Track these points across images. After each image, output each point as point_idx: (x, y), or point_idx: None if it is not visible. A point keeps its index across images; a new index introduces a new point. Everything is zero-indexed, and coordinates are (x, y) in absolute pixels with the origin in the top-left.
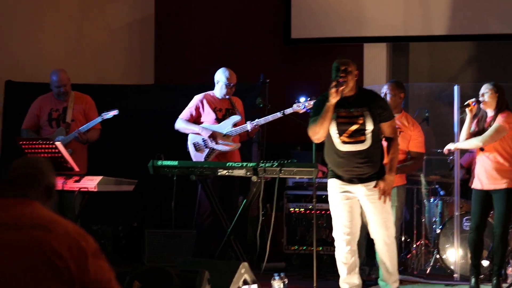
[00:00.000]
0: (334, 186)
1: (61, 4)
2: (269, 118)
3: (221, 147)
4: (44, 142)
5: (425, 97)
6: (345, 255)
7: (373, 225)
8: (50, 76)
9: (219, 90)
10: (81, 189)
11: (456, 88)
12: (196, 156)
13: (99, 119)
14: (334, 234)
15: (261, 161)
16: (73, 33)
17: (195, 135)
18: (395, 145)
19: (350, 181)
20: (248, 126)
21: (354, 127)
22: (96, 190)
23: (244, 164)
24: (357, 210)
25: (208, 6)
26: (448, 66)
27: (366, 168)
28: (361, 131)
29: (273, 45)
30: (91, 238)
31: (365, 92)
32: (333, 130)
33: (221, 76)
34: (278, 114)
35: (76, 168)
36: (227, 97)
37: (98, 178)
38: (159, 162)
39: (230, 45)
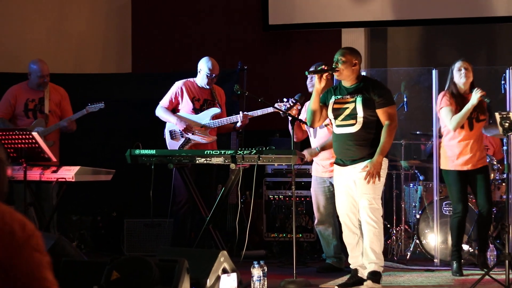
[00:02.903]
0: (335, 171)
1: None
2: (259, 112)
3: (196, 138)
4: (21, 133)
5: (403, 81)
6: (346, 235)
7: (359, 205)
8: (30, 65)
9: (200, 79)
10: (59, 180)
11: (434, 72)
12: (171, 144)
13: (83, 112)
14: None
15: (239, 149)
16: (51, 23)
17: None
18: (387, 130)
19: (344, 163)
20: (239, 116)
21: (347, 112)
22: (73, 180)
23: (222, 151)
24: (352, 193)
25: None
26: (426, 51)
27: (355, 151)
28: (352, 116)
29: (251, 31)
30: (30, 225)
31: (366, 81)
32: (330, 115)
33: (203, 66)
34: (270, 110)
35: (54, 159)
36: (207, 87)
37: (76, 168)
38: (137, 151)
39: (208, 33)
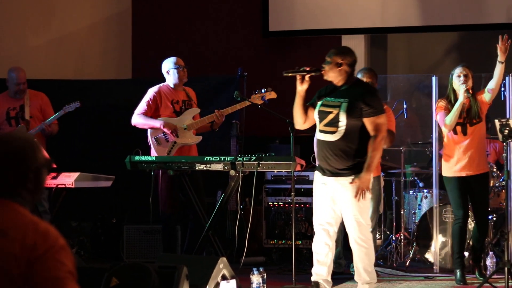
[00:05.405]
0: (315, 177)
1: (41, 1)
2: (229, 110)
3: (183, 140)
4: None
5: (403, 88)
6: (316, 245)
7: (345, 223)
8: (8, 73)
9: (172, 78)
10: (59, 186)
11: (434, 79)
12: (159, 151)
13: (61, 112)
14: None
15: (239, 155)
16: (51, 29)
17: (155, 129)
18: (375, 143)
19: (324, 172)
20: (214, 115)
21: (330, 117)
22: (73, 186)
23: (222, 158)
24: (333, 207)
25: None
26: (426, 57)
27: (333, 161)
28: (335, 123)
29: (251, 38)
30: (53, 236)
31: (359, 85)
32: (316, 117)
33: (168, 64)
34: (242, 104)
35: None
36: (182, 80)
37: (76, 175)
38: (137, 158)
39: (208, 39)
